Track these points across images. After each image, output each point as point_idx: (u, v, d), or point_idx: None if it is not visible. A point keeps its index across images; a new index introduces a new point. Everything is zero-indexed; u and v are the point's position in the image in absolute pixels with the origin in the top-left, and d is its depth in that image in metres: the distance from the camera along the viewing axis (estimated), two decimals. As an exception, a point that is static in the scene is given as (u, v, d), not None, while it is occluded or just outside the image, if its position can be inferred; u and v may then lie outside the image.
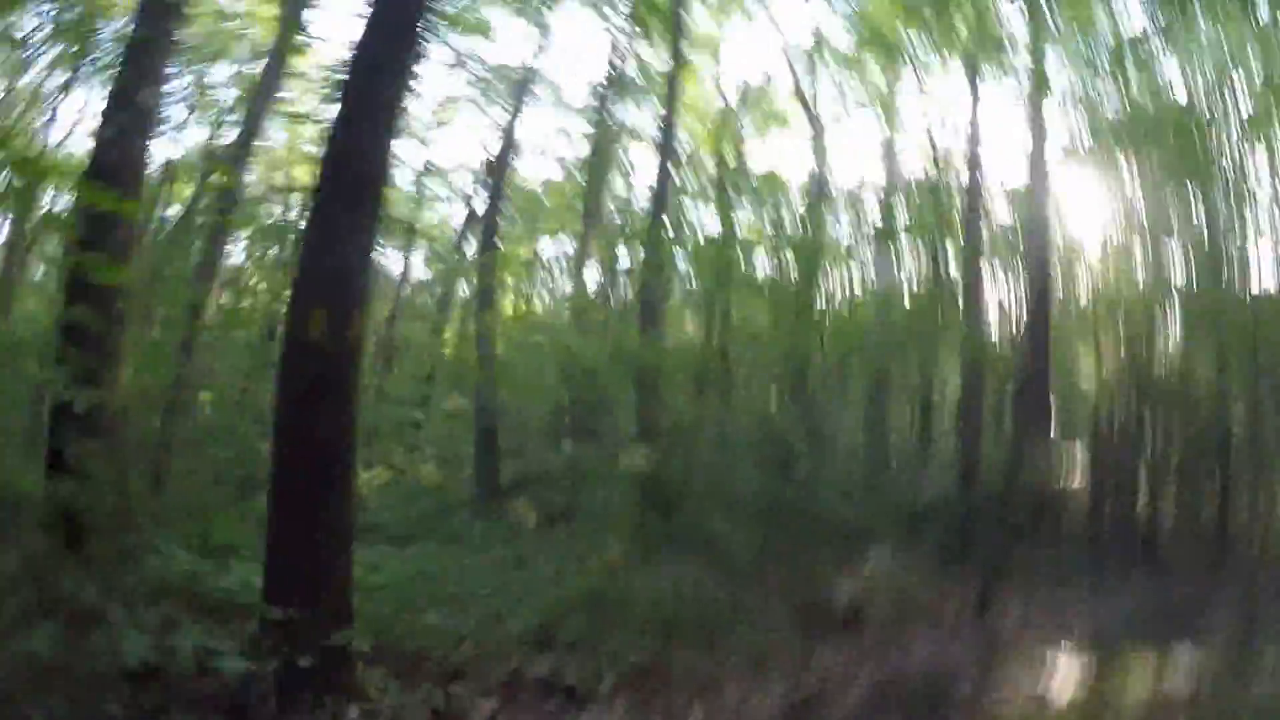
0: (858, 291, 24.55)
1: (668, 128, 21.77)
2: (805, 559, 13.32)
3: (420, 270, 33.48)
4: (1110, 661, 10.12)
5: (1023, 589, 13.61)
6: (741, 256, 22.38)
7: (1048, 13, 19.46)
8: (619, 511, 14.79)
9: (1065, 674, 9.90)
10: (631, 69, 24.46)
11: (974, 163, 21.14)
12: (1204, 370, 21.03)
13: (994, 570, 13.05)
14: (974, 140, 20.91)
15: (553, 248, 34.19)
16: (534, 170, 33.00)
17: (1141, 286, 21.99)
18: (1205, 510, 18.65)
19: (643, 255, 21.47)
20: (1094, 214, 27.25)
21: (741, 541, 12.93)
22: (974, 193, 21.31)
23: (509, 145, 22.77)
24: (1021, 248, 21.33)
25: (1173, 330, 25.10)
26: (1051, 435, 18.48)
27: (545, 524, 16.02)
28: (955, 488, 18.03)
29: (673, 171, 22.32)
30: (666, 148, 21.40)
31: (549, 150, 31.01)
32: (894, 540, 14.49)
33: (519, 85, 22.93)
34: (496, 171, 22.59)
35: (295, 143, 30.88)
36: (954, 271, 22.86)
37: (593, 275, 28.99)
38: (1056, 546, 16.47)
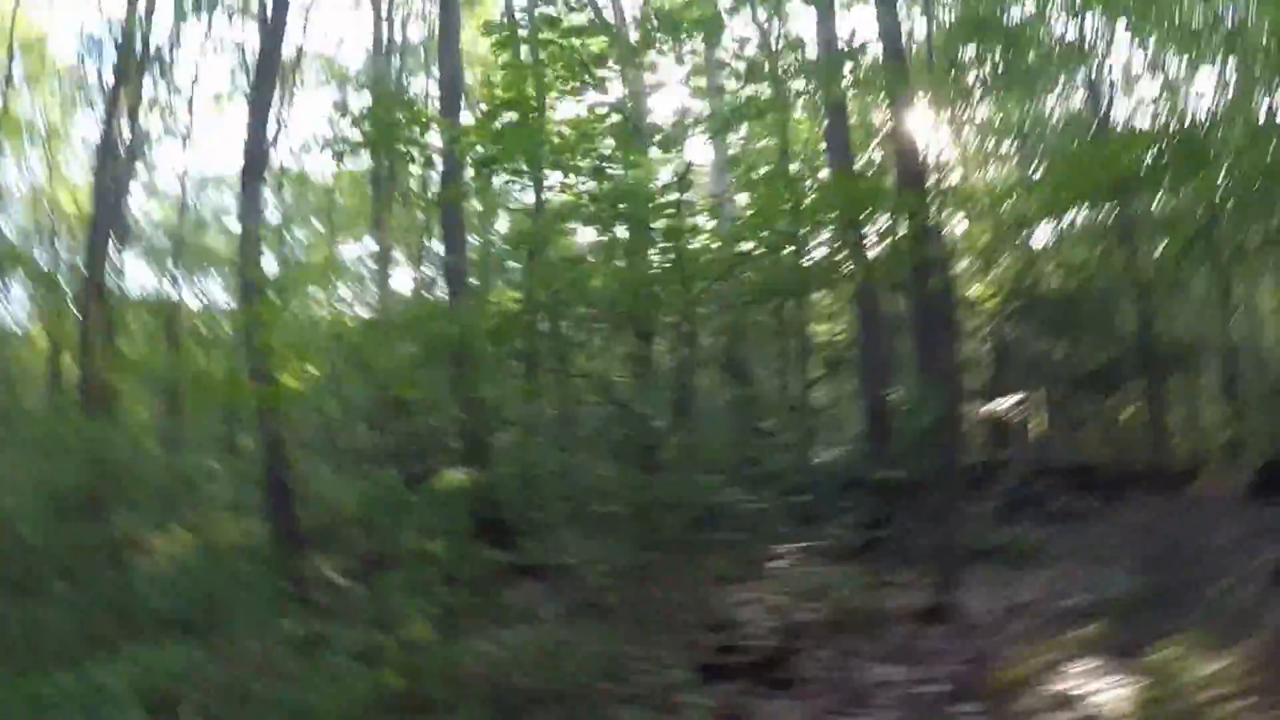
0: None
1: (451, 87, 18.49)
2: (694, 573, 10.31)
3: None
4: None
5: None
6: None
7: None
8: (447, 548, 11.46)
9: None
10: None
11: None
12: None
13: (947, 561, 10.27)
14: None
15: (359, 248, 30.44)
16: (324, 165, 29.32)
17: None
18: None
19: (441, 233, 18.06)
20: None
21: (606, 566, 9.78)
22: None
23: (257, 140, 18.10)
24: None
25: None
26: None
27: (357, 577, 12.53)
28: (864, 455, 15.36)
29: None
30: (451, 105, 18.08)
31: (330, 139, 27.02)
32: (805, 526, 11.67)
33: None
34: (250, 172, 18.36)
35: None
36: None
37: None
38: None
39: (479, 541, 11.46)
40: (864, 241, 15.98)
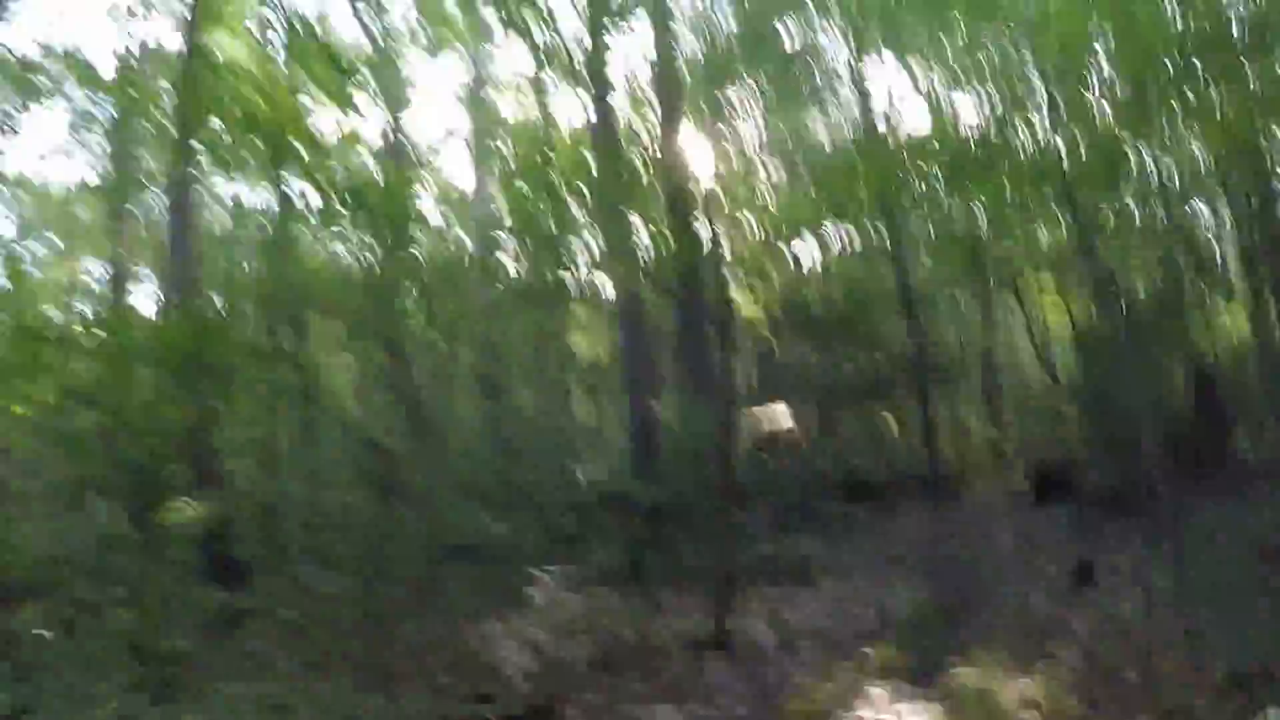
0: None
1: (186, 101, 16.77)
2: (444, 610, 9.28)
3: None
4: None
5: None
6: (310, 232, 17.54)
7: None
8: (170, 590, 10.02)
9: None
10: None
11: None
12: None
13: (724, 583, 9.45)
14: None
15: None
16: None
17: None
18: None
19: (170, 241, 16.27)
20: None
21: (346, 607, 8.62)
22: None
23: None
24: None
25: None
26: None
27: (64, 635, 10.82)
28: (631, 472, 14.58)
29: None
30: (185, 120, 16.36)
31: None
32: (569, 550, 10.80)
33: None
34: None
35: None
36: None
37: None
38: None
39: (209, 581, 10.16)
40: (629, 251, 15.52)
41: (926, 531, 13.31)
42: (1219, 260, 16.94)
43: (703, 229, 19.22)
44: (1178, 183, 17.45)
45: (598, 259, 16.91)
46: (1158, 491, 11.90)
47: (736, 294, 23.56)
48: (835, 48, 22.74)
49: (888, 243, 22.98)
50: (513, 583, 10.79)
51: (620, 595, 10.56)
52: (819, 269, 26.02)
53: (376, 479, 9.03)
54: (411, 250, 17.43)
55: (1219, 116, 15.22)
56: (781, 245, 25.47)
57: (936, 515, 14.85)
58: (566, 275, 18.45)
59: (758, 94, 23.13)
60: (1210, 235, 17.16)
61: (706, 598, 9.33)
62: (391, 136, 20.16)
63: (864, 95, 22.94)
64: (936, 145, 20.27)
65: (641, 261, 18.26)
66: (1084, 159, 16.24)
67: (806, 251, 25.84)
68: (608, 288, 17.55)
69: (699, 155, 19.24)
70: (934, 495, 17.95)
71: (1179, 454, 12.91)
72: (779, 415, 14.89)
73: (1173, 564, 8.58)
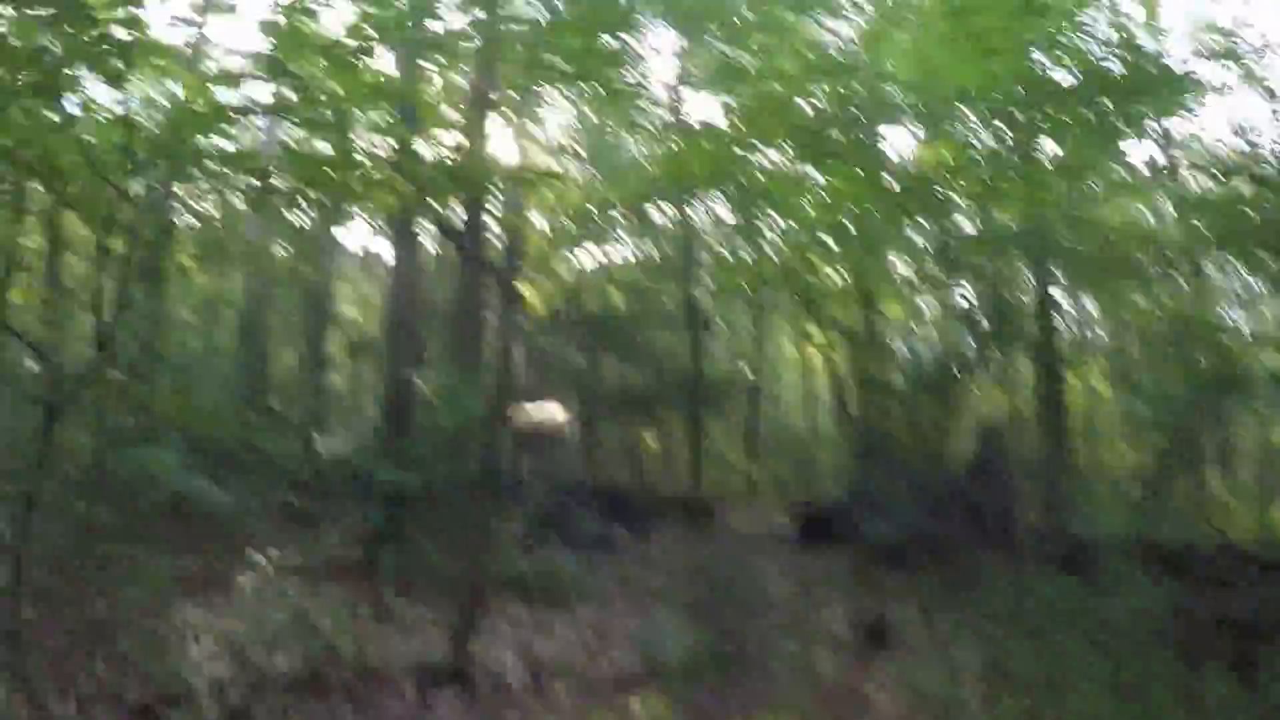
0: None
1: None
2: (136, 584, 7.49)
3: None
4: None
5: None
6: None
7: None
8: None
9: None
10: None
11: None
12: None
13: (469, 598, 7.94)
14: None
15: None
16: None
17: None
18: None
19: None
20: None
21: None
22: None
23: None
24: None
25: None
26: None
27: None
28: (379, 450, 12.74)
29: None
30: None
31: None
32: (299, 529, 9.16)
33: None
34: None
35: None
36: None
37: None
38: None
39: None
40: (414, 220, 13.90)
41: (690, 562, 12.25)
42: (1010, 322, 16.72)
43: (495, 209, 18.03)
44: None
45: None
46: (941, 549, 11.30)
47: (524, 283, 22.36)
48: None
49: (679, 256, 22.39)
50: (225, 561, 9.05)
51: (348, 594, 8.94)
52: (606, 273, 25.20)
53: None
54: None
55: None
56: (572, 243, 24.52)
57: (699, 545, 13.83)
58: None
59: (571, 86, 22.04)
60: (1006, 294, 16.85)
61: (448, 612, 7.87)
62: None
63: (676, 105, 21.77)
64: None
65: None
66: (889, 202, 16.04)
67: (597, 253, 25.26)
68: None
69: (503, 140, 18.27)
70: (694, 523, 17.05)
71: (961, 514, 12.37)
72: (551, 413, 13.47)
73: (976, 634, 7.74)
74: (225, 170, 7.46)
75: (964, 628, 8.11)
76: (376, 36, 6.91)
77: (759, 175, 17.43)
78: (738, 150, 15.65)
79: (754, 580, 10.16)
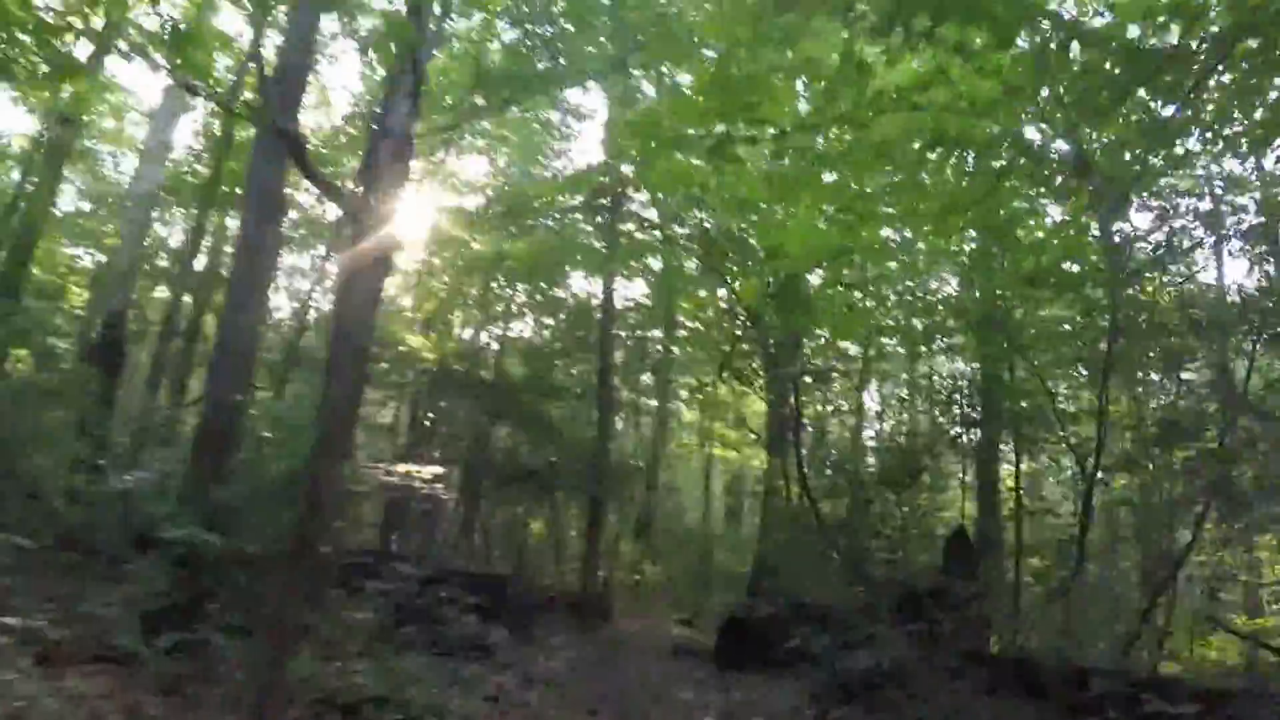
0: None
1: None
2: None
3: None
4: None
5: None
6: None
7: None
8: None
9: None
10: None
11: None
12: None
13: None
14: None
15: None
16: None
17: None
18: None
19: None
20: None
21: None
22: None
23: None
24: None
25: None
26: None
27: None
28: (189, 491, 9.23)
29: None
30: None
31: None
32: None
33: None
34: None
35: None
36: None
37: None
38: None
39: None
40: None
41: (591, 687, 9.34)
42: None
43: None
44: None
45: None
46: (906, 679, 8.54)
47: (410, 337, 19.44)
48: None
49: (594, 332, 19.79)
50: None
51: (99, 689, 5.87)
52: (512, 338, 22.40)
53: None
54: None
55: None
56: (476, 299, 21.69)
57: (597, 660, 10.90)
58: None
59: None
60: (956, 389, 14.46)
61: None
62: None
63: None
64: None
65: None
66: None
67: (504, 314, 22.45)
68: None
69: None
70: (587, 626, 14.10)
71: (928, 638, 9.66)
72: (425, 475, 10.23)
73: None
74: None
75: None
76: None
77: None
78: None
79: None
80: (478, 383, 18.67)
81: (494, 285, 21.08)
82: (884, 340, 16.36)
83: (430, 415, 18.64)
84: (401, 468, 9.18)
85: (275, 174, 10.15)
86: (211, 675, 6.38)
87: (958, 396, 13.95)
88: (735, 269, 15.34)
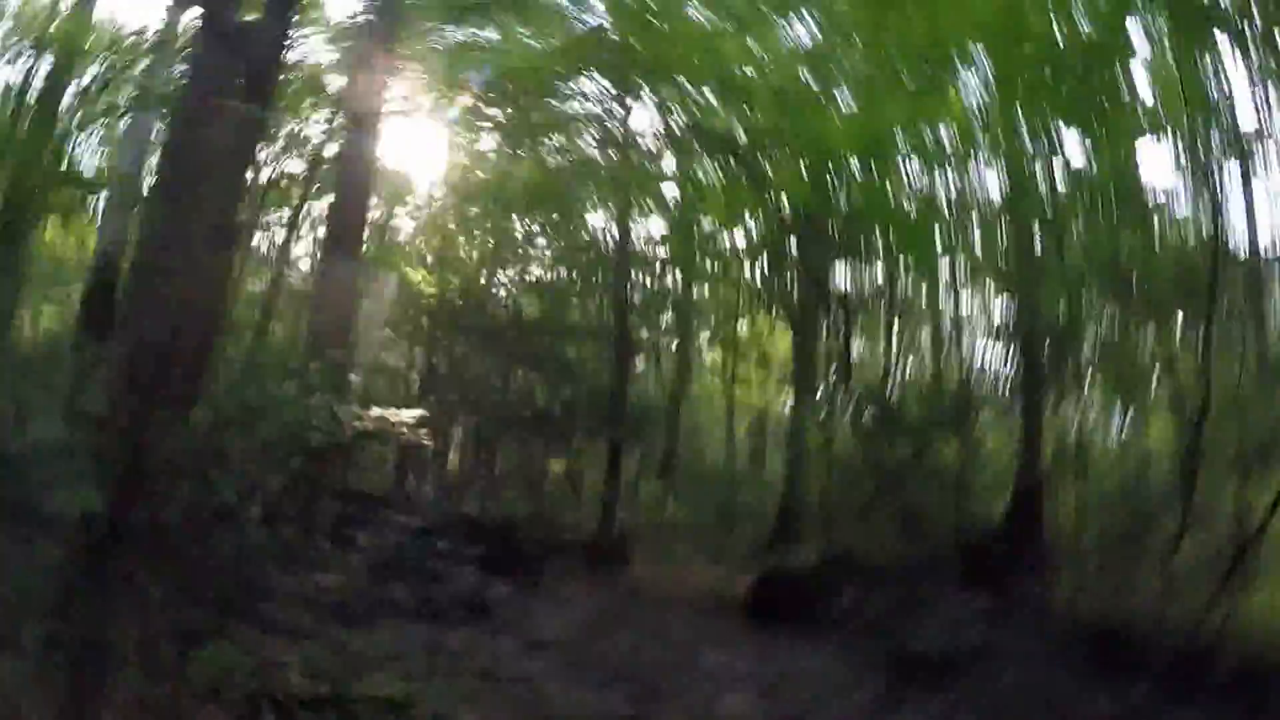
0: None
1: None
2: None
3: None
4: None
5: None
6: None
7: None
8: None
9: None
10: None
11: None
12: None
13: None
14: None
15: None
16: None
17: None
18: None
19: None
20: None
21: None
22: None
23: None
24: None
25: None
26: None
27: None
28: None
29: None
30: None
31: None
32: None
33: None
34: None
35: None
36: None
37: None
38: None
39: None
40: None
41: (598, 648, 7.91)
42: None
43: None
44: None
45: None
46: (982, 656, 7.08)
47: (410, 270, 17.94)
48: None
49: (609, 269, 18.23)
50: None
51: None
52: (526, 271, 20.81)
53: None
54: None
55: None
56: (482, 233, 20.10)
57: (610, 613, 9.46)
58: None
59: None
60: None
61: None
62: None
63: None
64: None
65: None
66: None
67: (513, 249, 20.84)
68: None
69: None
70: (602, 575, 12.66)
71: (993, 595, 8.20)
72: (407, 419, 8.64)
73: None
74: None
75: None
76: None
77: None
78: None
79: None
80: (488, 322, 17.20)
81: (505, 220, 19.43)
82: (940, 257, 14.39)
83: (436, 357, 17.17)
84: (377, 411, 7.72)
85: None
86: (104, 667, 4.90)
87: (1018, 330, 12.13)
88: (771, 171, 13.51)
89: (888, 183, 12.15)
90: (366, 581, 8.08)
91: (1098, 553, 9.62)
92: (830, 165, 11.40)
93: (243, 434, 5.84)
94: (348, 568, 8.16)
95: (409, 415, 7.51)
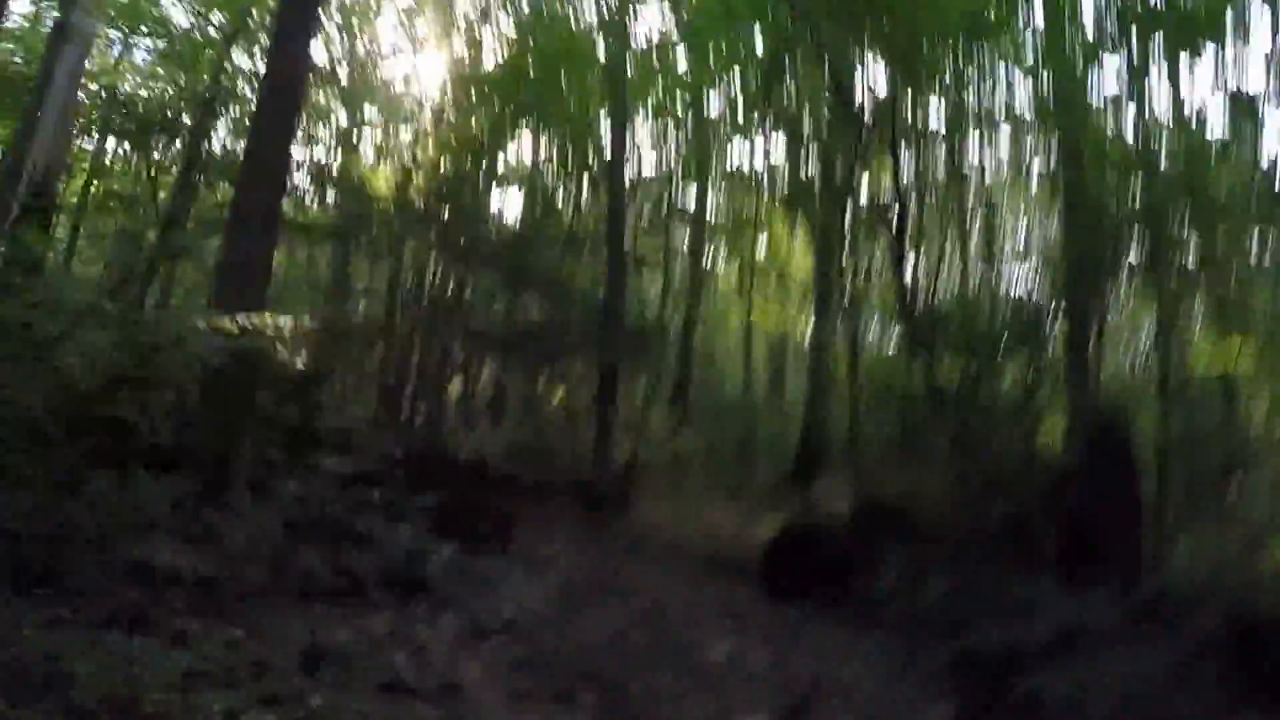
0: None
1: None
2: None
3: None
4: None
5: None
6: None
7: None
8: None
9: None
10: None
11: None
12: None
13: None
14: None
15: None
16: None
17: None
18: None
19: None
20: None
21: None
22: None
23: None
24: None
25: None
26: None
27: None
28: None
29: None
30: None
31: None
32: None
33: None
34: None
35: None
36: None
37: None
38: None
39: None
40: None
41: (568, 631, 5.91)
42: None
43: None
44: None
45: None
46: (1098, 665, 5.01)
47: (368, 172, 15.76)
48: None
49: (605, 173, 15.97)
50: None
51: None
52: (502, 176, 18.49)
53: None
54: None
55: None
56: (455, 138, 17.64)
57: (592, 582, 7.47)
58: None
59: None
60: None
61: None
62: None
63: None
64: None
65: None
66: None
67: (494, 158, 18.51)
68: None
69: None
70: (593, 523, 10.69)
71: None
72: (278, 330, 6.47)
73: None
74: None
75: None
76: None
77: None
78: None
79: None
80: (455, 226, 14.95)
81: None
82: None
83: (399, 268, 14.91)
84: (244, 317, 5.73)
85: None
86: None
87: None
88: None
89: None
90: (266, 551, 6.06)
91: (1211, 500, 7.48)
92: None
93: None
94: (244, 532, 6.13)
95: (279, 322, 5.60)
